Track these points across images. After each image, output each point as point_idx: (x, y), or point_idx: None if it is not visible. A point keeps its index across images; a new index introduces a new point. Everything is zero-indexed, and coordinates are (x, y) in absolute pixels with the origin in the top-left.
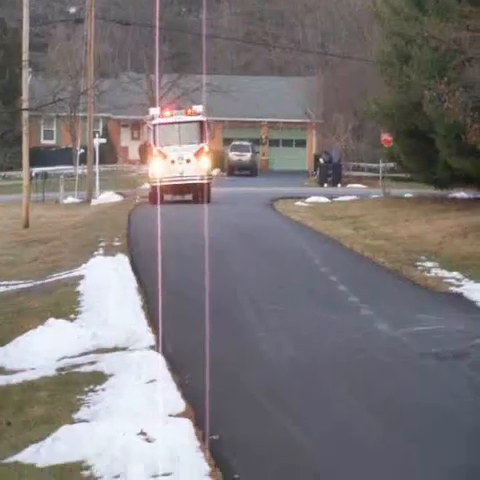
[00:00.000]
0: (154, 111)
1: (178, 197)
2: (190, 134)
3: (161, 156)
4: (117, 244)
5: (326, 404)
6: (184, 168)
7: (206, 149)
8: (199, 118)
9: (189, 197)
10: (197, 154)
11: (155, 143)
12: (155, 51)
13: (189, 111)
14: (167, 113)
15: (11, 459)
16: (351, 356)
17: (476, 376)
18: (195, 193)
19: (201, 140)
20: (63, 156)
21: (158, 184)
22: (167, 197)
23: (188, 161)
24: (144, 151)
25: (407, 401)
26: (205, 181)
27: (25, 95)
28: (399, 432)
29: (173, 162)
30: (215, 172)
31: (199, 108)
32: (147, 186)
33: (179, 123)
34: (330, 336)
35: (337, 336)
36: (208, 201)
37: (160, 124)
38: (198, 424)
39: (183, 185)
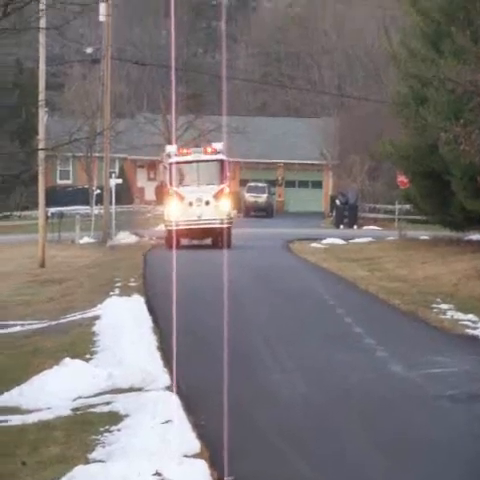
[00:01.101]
0: (170, 149)
1: (196, 241)
2: (209, 174)
3: (178, 197)
4: (133, 284)
5: (339, 444)
6: (203, 211)
7: (226, 190)
8: (219, 157)
9: (208, 242)
10: (217, 196)
11: (171, 183)
12: (171, 92)
13: (208, 149)
14: (185, 151)
15: None
16: (365, 397)
17: None
18: (214, 238)
19: (221, 180)
20: (79, 196)
21: (174, 227)
22: (184, 241)
23: (207, 203)
24: (160, 192)
25: (420, 442)
26: (225, 225)
27: (41, 135)
28: (411, 473)
29: (191, 204)
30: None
31: (219, 146)
32: (163, 227)
33: (197, 162)
34: (345, 377)
35: (352, 377)
36: (228, 246)
37: (177, 163)
38: (213, 465)
39: (201, 229)
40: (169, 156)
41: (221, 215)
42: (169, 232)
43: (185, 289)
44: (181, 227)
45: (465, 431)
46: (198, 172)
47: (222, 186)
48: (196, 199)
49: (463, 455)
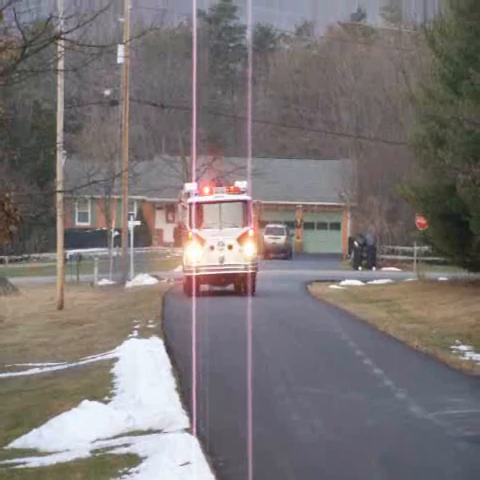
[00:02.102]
0: (190, 187)
1: (217, 287)
2: (233, 215)
3: (198, 241)
4: (151, 326)
5: None
6: (225, 255)
7: (251, 233)
8: (243, 197)
9: (229, 287)
10: (240, 239)
11: (191, 225)
12: (190, 133)
13: (231, 188)
14: (206, 190)
15: None
16: (383, 437)
17: None
18: (238, 284)
19: (245, 223)
20: (97, 238)
21: (194, 273)
22: (204, 287)
23: (230, 247)
24: (179, 234)
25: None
26: (250, 271)
27: (59, 177)
28: None
29: (212, 248)
30: None
31: (243, 184)
32: (181, 269)
33: (220, 202)
34: (363, 419)
35: (370, 419)
36: (252, 293)
37: (197, 203)
38: None
39: (224, 275)
40: (188, 195)
41: (245, 260)
42: (188, 278)
43: (203, 330)
44: (202, 273)
45: None
46: (220, 213)
47: (246, 229)
48: (218, 243)
49: None
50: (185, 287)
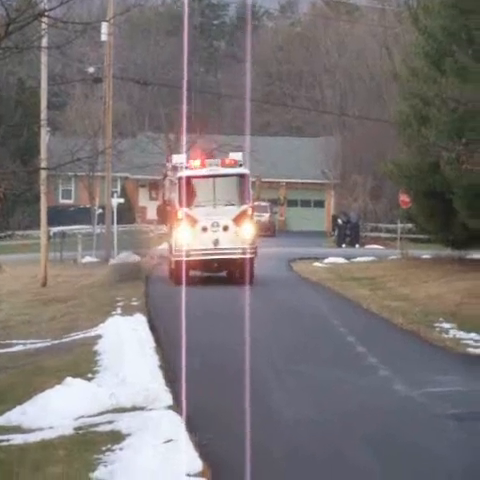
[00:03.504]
0: (178, 159)
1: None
2: (228, 192)
3: (189, 221)
4: (135, 303)
5: (342, 464)
6: (220, 237)
7: (249, 212)
8: (240, 171)
9: (223, 274)
10: (237, 219)
11: (181, 203)
12: (173, 111)
13: (227, 160)
14: (197, 163)
15: None
16: (367, 416)
17: None
18: (233, 270)
19: (243, 200)
20: (81, 215)
21: (184, 258)
22: (193, 273)
23: (225, 229)
24: (162, 211)
25: (423, 457)
26: (248, 255)
27: (43, 154)
28: None
29: (205, 229)
30: None
31: (238, 156)
32: (168, 252)
33: (214, 176)
34: (348, 396)
35: (354, 396)
36: (250, 282)
37: (188, 177)
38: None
39: (218, 260)
40: (176, 169)
41: (243, 243)
42: (177, 264)
43: (186, 306)
44: (193, 258)
45: (469, 448)
46: (215, 189)
47: (244, 207)
48: (212, 223)
49: (466, 469)
50: (173, 274)
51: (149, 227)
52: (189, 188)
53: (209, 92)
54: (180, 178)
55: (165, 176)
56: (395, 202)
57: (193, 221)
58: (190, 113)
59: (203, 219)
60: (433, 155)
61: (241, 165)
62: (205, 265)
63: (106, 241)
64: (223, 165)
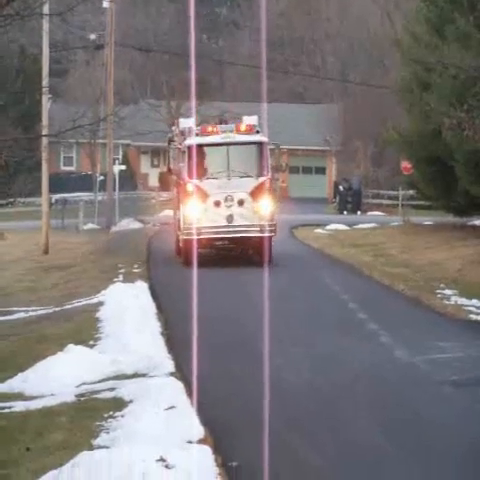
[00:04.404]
0: (187, 123)
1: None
2: (245, 162)
3: (200, 195)
4: (136, 271)
5: (345, 429)
6: (235, 213)
7: (268, 185)
8: (258, 138)
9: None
10: (255, 193)
11: (190, 174)
12: (175, 78)
13: (243, 127)
14: (210, 128)
15: None
16: (368, 383)
17: None
18: (248, 249)
19: (261, 172)
20: (83, 183)
21: (195, 237)
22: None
23: (241, 203)
24: (167, 180)
25: (424, 424)
26: (266, 234)
27: (45, 121)
28: (412, 452)
29: (218, 204)
30: None
31: (254, 121)
32: (167, 214)
33: (228, 144)
34: (349, 362)
35: (355, 363)
36: (269, 261)
37: (199, 145)
38: (217, 450)
39: (233, 239)
40: (185, 135)
41: (261, 220)
42: (186, 243)
43: (187, 275)
44: (204, 236)
45: (469, 415)
46: (228, 159)
47: (262, 179)
48: (226, 197)
49: (465, 436)
50: (181, 253)
51: (151, 194)
52: (200, 157)
53: (211, 59)
54: (189, 147)
55: (170, 141)
56: (397, 169)
57: (204, 195)
58: (191, 80)
59: (215, 192)
60: (435, 121)
61: (258, 132)
62: (217, 244)
63: (108, 208)
64: (238, 131)
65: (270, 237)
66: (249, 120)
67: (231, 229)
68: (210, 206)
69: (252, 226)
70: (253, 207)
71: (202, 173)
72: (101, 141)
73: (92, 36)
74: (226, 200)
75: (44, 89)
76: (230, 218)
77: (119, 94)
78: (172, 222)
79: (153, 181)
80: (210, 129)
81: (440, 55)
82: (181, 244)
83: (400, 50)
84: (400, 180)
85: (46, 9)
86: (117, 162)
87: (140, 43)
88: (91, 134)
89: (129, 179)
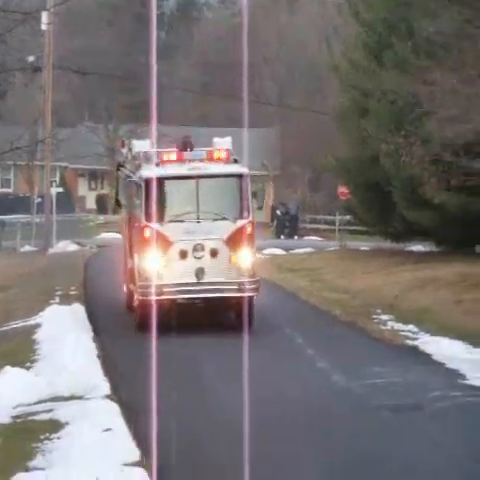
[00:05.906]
0: (141, 146)
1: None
2: (219, 200)
3: (161, 243)
4: (73, 293)
5: (279, 454)
6: (206, 267)
7: (248, 231)
8: (236, 169)
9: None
10: (232, 240)
11: (148, 216)
12: (112, 101)
13: (216, 154)
14: (173, 156)
15: None
16: (306, 408)
17: (432, 428)
18: (225, 309)
19: (240, 213)
20: (20, 204)
21: (154, 297)
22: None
23: (214, 254)
24: (101, 201)
25: (359, 451)
26: (246, 293)
27: None
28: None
29: (184, 255)
30: None
31: (228, 144)
32: (104, 236)
33: (198, 177)
34: (285, 387)
35: (292, 388)
36: (250, 326)
37: (160, 179)
38: (152, 473)
39: (203, 299)
40: (139, 160)
41: (239, 275)
42: (142, 304)
43: (122, 296)
44: (166, 296)
45: (405, 440)
46: (198, 196)
47: (242, 222)
48: (194, 246)
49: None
50: (136, 316)
51: (88, 216)
52: (161, 194)
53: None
54: (147, 180)
55: (119, 167)
56: (334, 194)
57: (166, 243)
58: (129, 103)
59: (181, 240)
60: (372, 147)
61: (236, 160)
62: (184, 305)
63: (45, 230)
64: (211, 160)
65: (251, 297)
66: (222, 144)
67: (201, 288)
68: (174, 257)
69: (228, 284)
70: (230, 259)
71: (164, 214)
72: (39, 163)
73: (30, 58)
74: (195, 250)
75: None
76: (200, 273)
77: (57, 116)
78: (114, 244)
79: (90, 203)
80: (173, 156)
81: (378, 81)
82: (135, 304)
83: (338, 76)
84: (337, 205)
85: None
86: (54, 184)
87: (78, 65)
88: (29, 156)
89: (66, 201)
